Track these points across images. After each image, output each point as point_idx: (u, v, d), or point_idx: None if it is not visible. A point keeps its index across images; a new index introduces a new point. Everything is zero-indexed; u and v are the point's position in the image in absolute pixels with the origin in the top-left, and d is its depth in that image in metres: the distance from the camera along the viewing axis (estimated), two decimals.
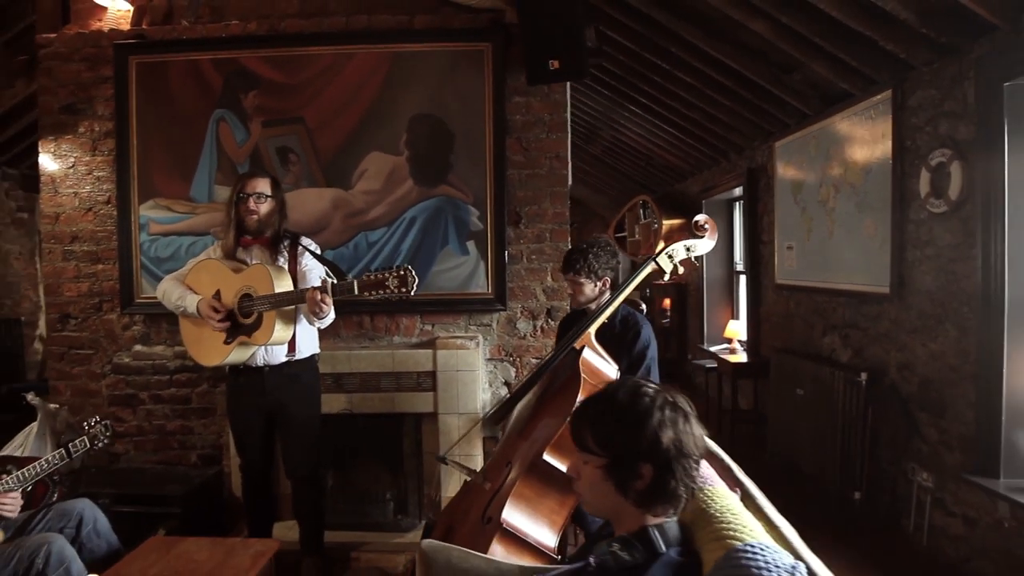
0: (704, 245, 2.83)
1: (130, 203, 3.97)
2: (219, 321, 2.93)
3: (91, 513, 2.70)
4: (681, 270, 2.80)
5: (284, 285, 2.92)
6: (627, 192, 9.27)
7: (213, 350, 3.01)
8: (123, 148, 3.95)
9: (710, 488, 1.64)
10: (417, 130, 3.81)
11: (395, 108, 3.82)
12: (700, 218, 2.88)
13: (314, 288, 2.75)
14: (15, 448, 3.72)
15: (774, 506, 1.62)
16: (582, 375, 2.50)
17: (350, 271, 3.85)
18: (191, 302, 2.99)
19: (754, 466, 4.76)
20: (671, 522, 1.40)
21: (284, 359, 3.07)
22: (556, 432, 2.32)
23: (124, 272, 3.97)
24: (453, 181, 3.81)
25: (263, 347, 3.00)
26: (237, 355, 2.98)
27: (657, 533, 1.36)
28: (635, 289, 2.83)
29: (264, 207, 3.03)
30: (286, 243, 3.11)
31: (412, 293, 2.65)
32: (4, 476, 2.55)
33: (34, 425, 3.79)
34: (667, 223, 7.45)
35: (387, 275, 2.68)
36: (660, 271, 2.77)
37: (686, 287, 8.23)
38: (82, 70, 3.99)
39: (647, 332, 2.88)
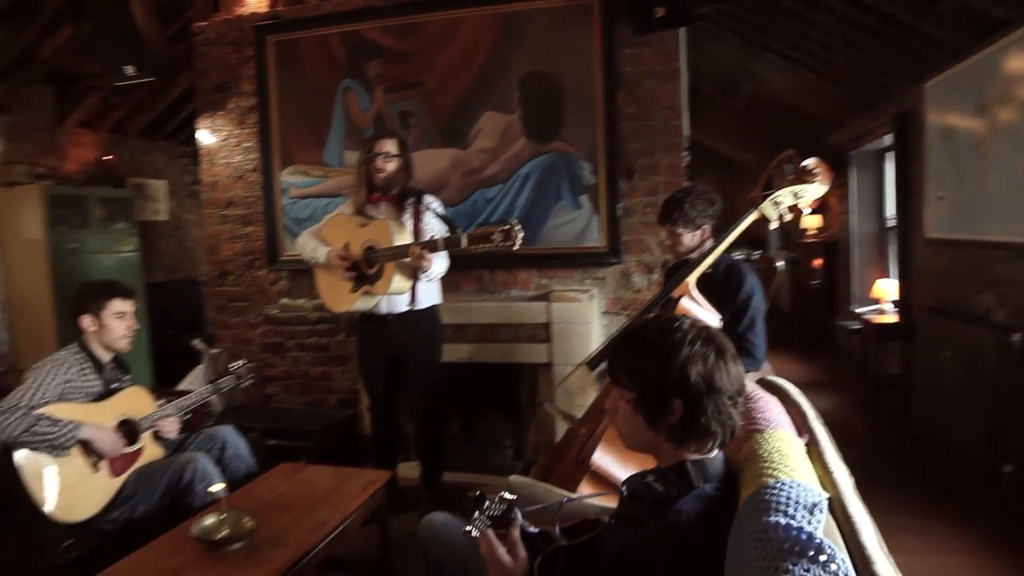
0: (814, 191, 2.69)
1: (272, 170, 4.35)
2: (346, 271, 3.18)
3: (234, 439, 3.05)
4: (788, 217, 2.69)
5: (402, 239, 3.10)
6: (776, 148, 8.81)
7: (341, 297, 3.26)
8: (265, 120, 4.32)
9: (771, 431, 1.60)
10: (528, 88, 3.87)
11: (507, 67, 3.89)
12: (809, 162, 2.74)
13: (415, 244, 2.92)
14: (186, 384, 4.25)
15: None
16: None
17: (468, 227, 4.00)
18: (322, 253, 3.27)
19: (895, 434, 4.52)
20: (712, 459, 1.38)
21: (406, 308, 3.27)
22: None
23: (269, 232, 4.37)
24: (565, 136, 3.84)
25: (385, 296, 3.22)
26: (362, 303, 3.23)
27: (694, 468, 1.36)
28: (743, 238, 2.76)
29: (391, 165, 3.23)
30: (411, 200, 3.28)
31: (516, 247, 2.74)
32: (166, 404, 2.93)
33: (200, 367, 4.30)
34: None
35: (493, 229, 2.79)
36: (764, 219, 2.68)
37: (836, 245, 7.75)
38: (229, 52, 4.39)
39: (751, 281, 2.79)
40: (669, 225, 2.84)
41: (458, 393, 3.97)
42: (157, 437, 2.90)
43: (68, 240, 5.13)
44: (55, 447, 2.53)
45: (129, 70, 4.25)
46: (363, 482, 2.77)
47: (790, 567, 0.96)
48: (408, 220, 3.25)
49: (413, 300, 3.29)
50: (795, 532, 1.03)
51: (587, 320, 3.74)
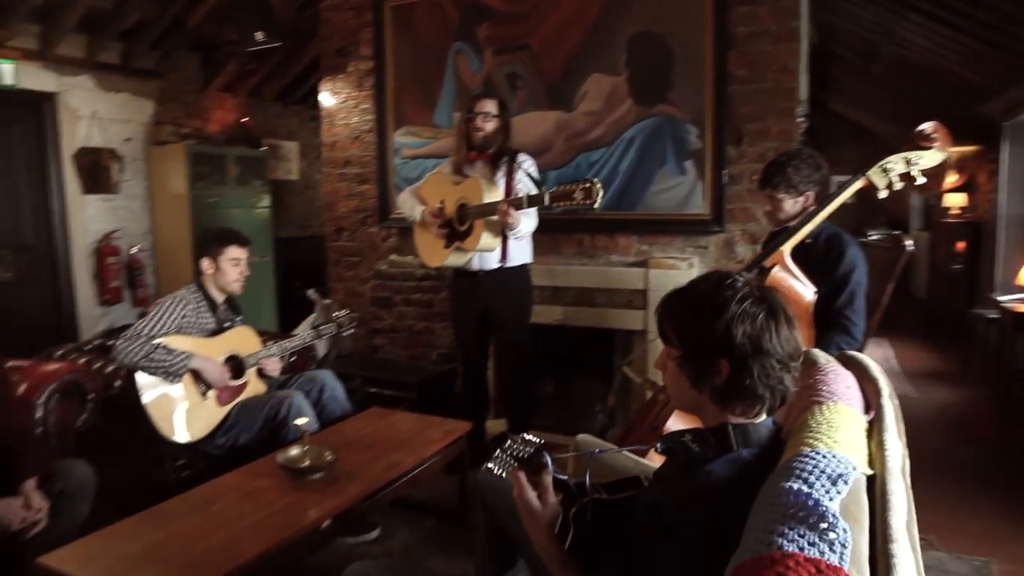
0: (930, 158, 2.49)
1: (386, 131, 4.51)
2: (439, 227, 3.28)
3: (331, 382, 3.23)
4: (899, 186, 2.50)
5: (493, 197, 3.15)
6: (921, 120, 8.12)
7: (435, 253, 3.37)
8: (380, 83, 4.47)
9: (831, 404, 1.52)
10: (636, 49, 3.78)
11: (614, 29, 3.81)
12: (927, 126, 2.53)
13: (503, 200, 2.96)
14: (300, 330, 4.53)
15: None
16: None
17: None
18: (418, 211, 3.39)
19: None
20: (758, 424, 1.32)
21: (496, 265, 3.33)
22: None
23: (381, 191, 4.55)
24: (672, 99, 3.72)
25: (476, 253, 3.29)
26: (454, 259, 3.32)
27: (736, 432, 1.31)
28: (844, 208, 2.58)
29: (489, 125, 3.28)
30: (505, 159, 3.32)
31: (596, 205, 2.72)
32: (271, 344, 3.15)
33: (313, 315, 4.57)
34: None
35: (574, 187, 2.77)
36: (872, 186, 2.50)
37: (982, 226, 7.08)
38: (350, 18, 4.57)
39: (854, 253, 2.61)
40: (770, 190, 2.70)
41: (551, 355, 4.01)
42: (261, 374, 3.13)
43: (207, 195, 5.56)
44: (169, 374, 2.79)
45: (259, 36, 4.54)
46: (444, 430, 2.87)
47: (786, 530, 0.92)
48: (501, 179, 3.29)
49: (504, 258, 3.34)
50: (803, 498, 0.98)
51: None
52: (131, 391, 2.79)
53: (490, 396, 3.91)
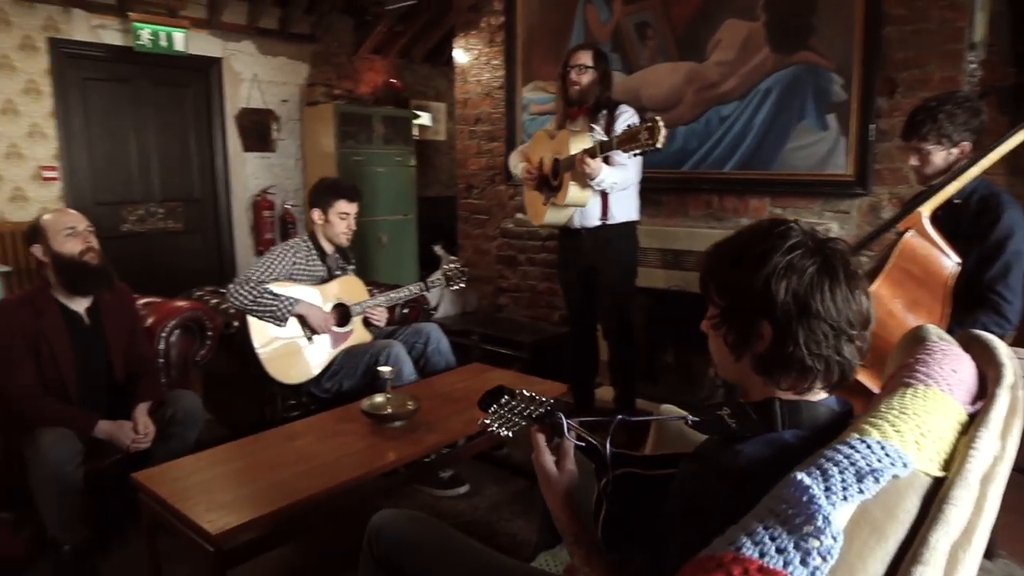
0: None
1: (515, 86, 4.43)
2: (534, 183, 3.20)
3: (436, 335, 3.25)
4: None
5: (579, 148, 2.98)
6: None
7: (537, 211, 3.28)
8: (510, 37, 4.39)
9: (921, 387, 1.27)
10: None
11: None
12: None
13: (581, 151, 2.83)
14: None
15: None
16: (892, 261, 2.08)
17: (700, 147, 3.74)
18: (519, 169, 3.31)
19: None
20: (813, 402, 1.11)
21: (598, 223, 3.18)
22: None
23: (508, 148, 4.48)
24: (814, 45, 3.32)
25: (579, 210, 3.16)
26: (552, 216, 3.21)
27: (783, 409, 1.10)
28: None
29: (585, 77, 3.12)
30: (604, 112, 3.15)
31: (660, 145, 2.51)
32: (376, 294, 3.22)
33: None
34: None
35: (639, 128, 2.58)
36: None
37: None
38: None
39: (1014, 217, 2.20)
40: (916, 140, 2.32)
41: (671, 321, 3.80)
42: (367, 323, 3.20)
43: (354, 153, 5.79)
44: (275, 318, 2.92)
45: None
46: (544, 387, 2.80)
47: (760, 528, 0.76)
48: (598, 132, 3.11)
49: (605, 214, 3.18)
50: (800, 492, 0.81)
51: None
52: (244, 332, 2.96)
53: (598, 361, 3.78)
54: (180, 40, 4.92)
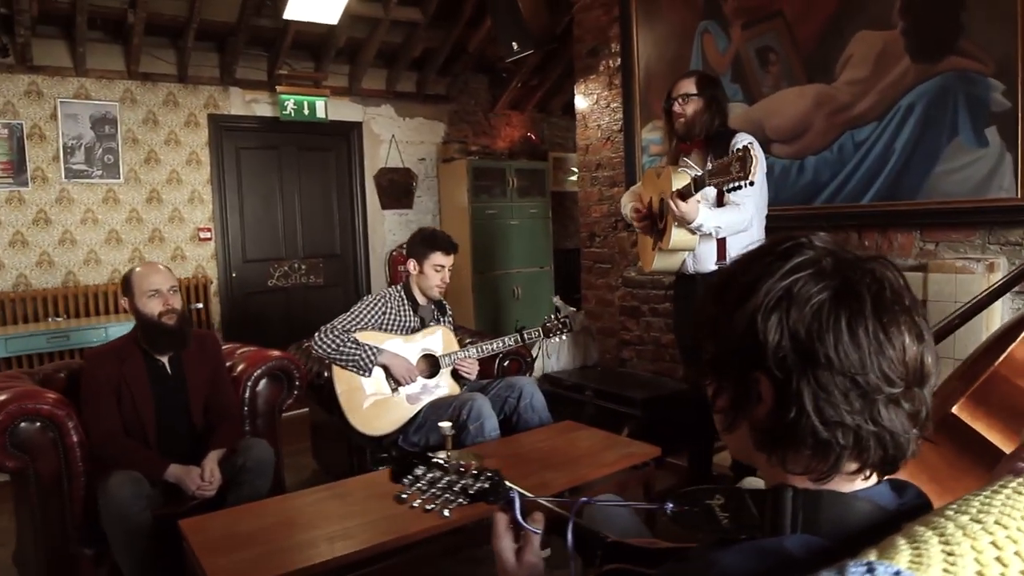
0: None
1: (634, 128, 4.20)
2: (640, 225, 2.91)
3: (530, 389, 3.03)
4: None
5: (676, 186, 2.69)
6: None
7: (647, 256, 3.01)
8: (627, 77, 4.19)
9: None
10: None
11: None
12: None
13: (672, 191, 2.50)
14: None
15: None
16: None
17: (834, 177, 3.29)
18: (628, 210, 3.03)
19: None
20: (847, 495, 0.76)
21: (712, 267, 2.82)
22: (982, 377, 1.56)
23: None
24: (965, 48, 2.81)
25: (691, 254, 2.84)
26: (662, 261, 2.91)
27: (796, 502, 0.76)
28: None
29: (690, 107, 2.79)
30: (719, 144, 2.82)
31: (751, 178, 2.16)
32: (468, 345, 3.08)
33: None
34: None
35: (730, 159, 2.24)
36: None
37: None
38: (600, 15, 4.37)
39: None
40: None
41: None
42: (457, 376, 3.06)
43: (487, 207, 5.81)
44: (359, 367, 2.86)
45: (514, 46, 4.58)
46: (623, 454, 2.50)
47: None
48: (692, 167, 2.77)
49: (722, 257, 2.81)
50: None
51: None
52: (331, 381, 2.93)
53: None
54: (321, 108, 5.24)
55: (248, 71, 5.11)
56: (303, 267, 5.48)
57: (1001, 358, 1.48)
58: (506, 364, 3.47)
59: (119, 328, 4.10)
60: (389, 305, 3.05)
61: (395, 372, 2.92)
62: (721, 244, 2.77)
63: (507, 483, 1.10)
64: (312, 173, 5.52)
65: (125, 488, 2.25)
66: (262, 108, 5.20)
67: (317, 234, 5.56)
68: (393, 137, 5.78)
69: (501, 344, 3.14)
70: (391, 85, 5.67)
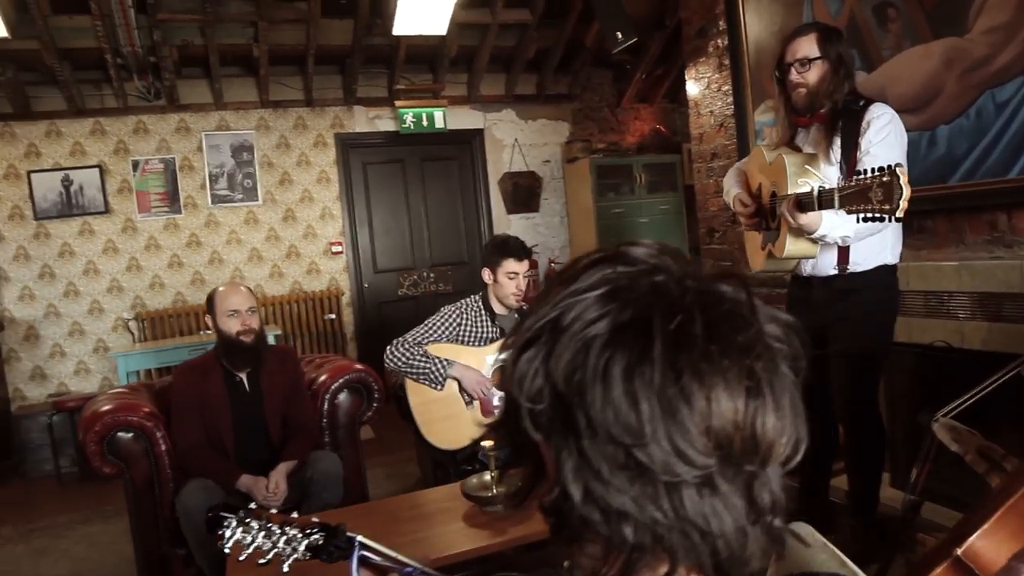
0: None
1: (746, 111, 3.78)
2: (748, 219, 2.52)
3: None
4: None
5: (805, 180, 2.22)
6: None
7: (755, 253, 2.60)
8: (736, 54, 3.77)
9: None
10: None
11: None
12: None
13: (791, 198, 2.08)
14: None
15: None
16: None
17: (972, 149, 2.71)
18: (731, 197, 2.61)
19: None
20: None
21: (832, 272, 2.35)
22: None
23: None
24: None
25: (804, 261, 2.43)
26: (773, 263, 2.50)
27: None
28: None
29: (812, 74, 2.26)
30: (848, 118, 2.27)
31: (900, 214, 1.70)
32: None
33: None
34: None
35: (870, 181, 1.75)
36: None
37: None
38: None
39: None
40: None
41: (931, 390, 2.75)
42: None
43: (614, 206, 5.55)
44: (431, 380, 2.78)
45: (618, 36, 4.32)
46: None
47: None
48: (836, 149, 2.29)
49: (844, 260, 2.32)
50: None
51: None
52: (404, 394, 2.89)
53: (838, 442, 2.88)
54: (440, 118, 5.28)
55: (370, 89, 5.28)
56: (432, 275, 5.57)
57: None
58: None
59: None
60: (465, 316, 2.96)
61: (466, 385, 2.82)
62: (845, 248, 2.28)
63: (356, 537, 0.95)
64: (436, 183, 5.60)
65: (196, 495, 2.36)
66: (385, 123, 5.35)
67: (444, 242, 5.63)
68: (516, 141, 5.70)
69: None
70: (510, 89, 5.61)
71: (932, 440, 1.87)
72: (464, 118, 5.54)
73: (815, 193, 1.97)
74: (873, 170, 1.76)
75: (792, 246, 2.24)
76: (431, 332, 2.90)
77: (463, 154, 5.67)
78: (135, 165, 4.83)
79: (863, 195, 1.77)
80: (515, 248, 2.92)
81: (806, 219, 2.02)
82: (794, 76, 2.27)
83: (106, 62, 4.39)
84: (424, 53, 5.16)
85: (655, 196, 5.74)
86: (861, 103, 2.26)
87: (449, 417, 2.83)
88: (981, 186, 2.70)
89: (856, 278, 2.30)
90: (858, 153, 2.19)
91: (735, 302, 0.54)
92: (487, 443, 2.24)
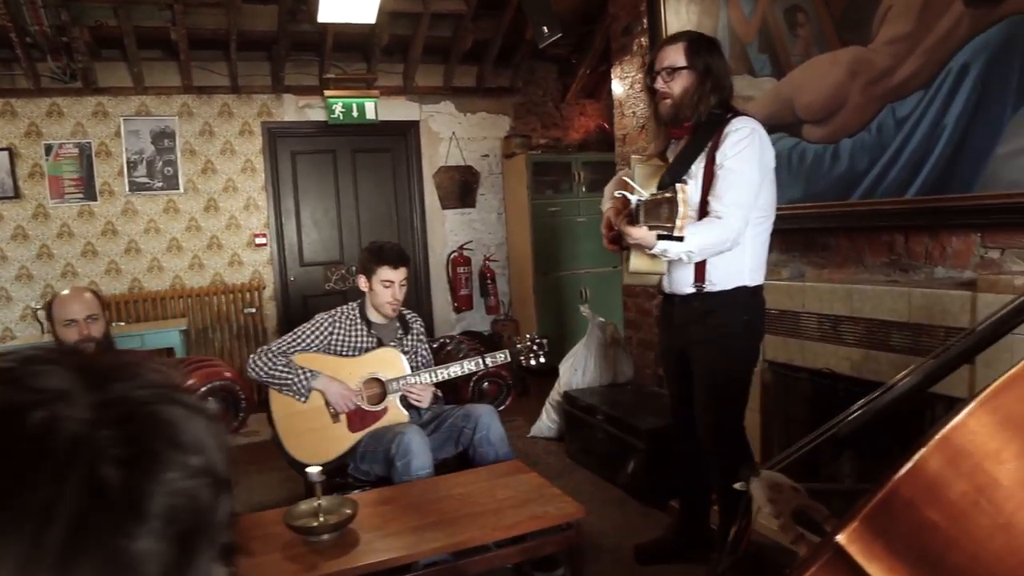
0: None
1: None
2: (607, 230, 2.33)
3: (487, 420, 2.61)
4: None
5: (648, 193, 2.09)
6: None
7: (626, 262, 2.44)
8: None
9: None
10: None
11: None
12: None
13: (624, 211, 1.95)
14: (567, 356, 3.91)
15: None
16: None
17: (873, 164, 2.51)
18: (605, 205, 2.42)
19: None
20: None
21: (691, 290, 2.20)
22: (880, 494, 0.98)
23: None
24: None
25: (666, 271, 2.26)
26: (632, 277, 2.34)
27: None
28: None
29: (677, 84, 2.12)
30: (712, 129, 2.11)
31: (677, 232, 1.65)
32: (418, 374, 2.69)
33: (585, 337, 3.90)
34: None
35: (660, 199, 1.71)
36: None
37: None
38: None
39: None
40: None
41: (817, 419, 2.56)
42: (408, 403, 2.68)
43: (549, 204, 5.32)
44: (294, 391, 2.57)
45: (544, 31, 4.08)
46: (535, 513, 2.01)
47: None
48: (699, 165, 2.12)
49: (700, 277, 2.18)
50: None
51: None
52: (268, 406, 2.67)
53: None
54: (371, 109, 5.02)
55: (300, 77, 5.01)
56: None
57: (904, 469, 0.87)
58: (484, 386, 3.04)
59: (156, 336, 4.16)
60: (339, 325, 2.74)
61: (330, 398, 2.61)
62: (700, 262, 2.15)
63: None
64: (369, 175, 5.34)
65: None
66: (316, 113, 5.08)
67: (375, 236, 5.31)
68: (454, 134, 5.45)
69: (459, 369, 2.71)
70: (448, 81, 5.34)
71: (748, 498, 1.67)
72: (399, 109, 5.28)
73: (633, 207, 1.87)
74: (666, 187, 1.74)
75: (636, 261, 2.13)
76: (299, 341, 2.68)
77: (398, 146, 5.41)
78: (48, 149, 4.54)
79: (656, 211, 1.70)
80: (390, 255, 2.71)
81: (637, 234, 1.87)
82: (660, 85, 2.13)
83: (12, 41, 4.10)
84: (356, 42, 4.88)
85: (595, 195, 5.49)
86: (729, 116, 2.08)
87: (313, 431, 2.62)
88: (880, 205, 2.50)
89: (713, 298, 2.15)
90: (715, 167, 2.02)
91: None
92: (312, 470, 2.03)
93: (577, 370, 3.80)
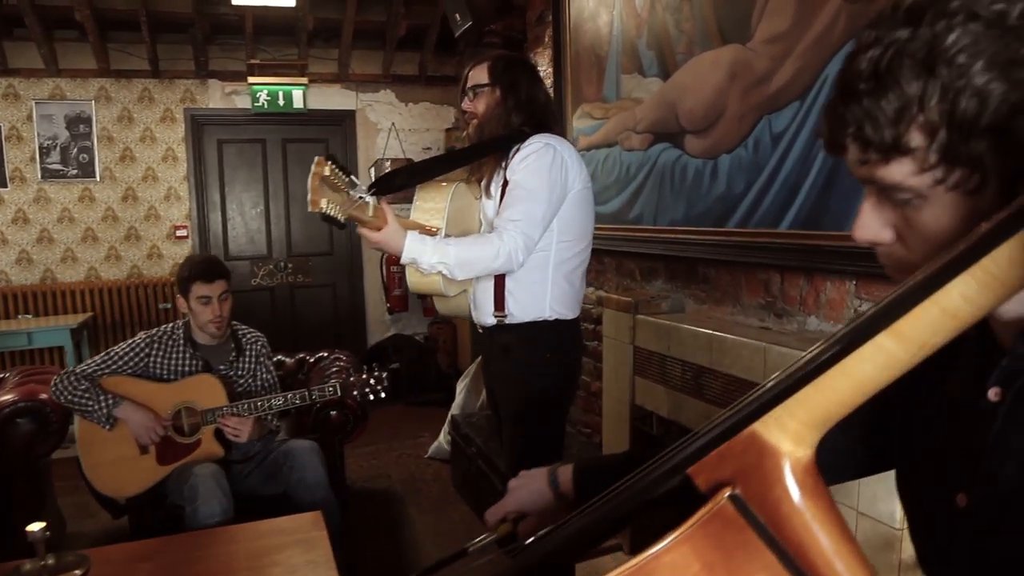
0: None
1: (565, 114, 3.08)
2: None
3: (304, 460, 2.27)
4: None
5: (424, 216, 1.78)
6: None
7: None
8: (558, 49, 3.07)
9: None
10: None
11: None
12: None
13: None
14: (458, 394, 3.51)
15: None
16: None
17: (749, 188, 2.04)
18: None
19: None
20: None
21: (492, 320, 1.87)
22: None
23: None
24: None
25: (471, 299, 1.94)
26: (439, 304, 2.07)
27: None
28: None
29: (481, 103, 1.86)
30: (509, 152, 1.83)
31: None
32: (235, 406, 2.31)
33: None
34: None
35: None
36: None
37: None
38: None
39: None
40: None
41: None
42: (223, 437, 2.30)
43: None
44: (95, 418, 2.21)
45: (457, 19, 3.62)
46: (305, 561, 1.61)
47: None
48: (496, 186, 1.84)
49: (500, 308, 1.84)
50: None
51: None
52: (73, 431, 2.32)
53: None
54: (299, 97, 4.60)
55: (227, 62, 4.60)
56: (290, 266, 4.93)
57: (636, 562, 0.47)
58: (332, 414, 2.65)
59: (45, 334, 3.84)
60: (158, 347, 2.36)
61: (133, 428, 2.23)
62: (499, 289, 1.80)
63: None
64: (300, 166, 4.93)
65: None
66: (244, 100, 4.67)
67: (306, 231, 4.99)
68: (393, 125, 5.01)
69: (281, 402, 2.32)
70: (387, 68, 4.89)
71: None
72: (335, 98, 4.85)
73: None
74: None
75: (411, 277, 1.92)
76: (111, 363, 2.31)
77: (332, 136, 4.98)
78: None
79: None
80: (202, 270, 2.33)
81: (377, 236, 1.64)
82: (466, 104, 1.89)
83: None
84: (284, 25, 4.46)
85: None
86: (523, 136, 1.72)
87: (118, 461, 2.26)
88: (755, 237, 2.03)
89: (511, 331, 1.83)
90: (505, 191, 1.68)
91: None
92: (33, 528, 1.65)
93: (471, 392, 3.39)
